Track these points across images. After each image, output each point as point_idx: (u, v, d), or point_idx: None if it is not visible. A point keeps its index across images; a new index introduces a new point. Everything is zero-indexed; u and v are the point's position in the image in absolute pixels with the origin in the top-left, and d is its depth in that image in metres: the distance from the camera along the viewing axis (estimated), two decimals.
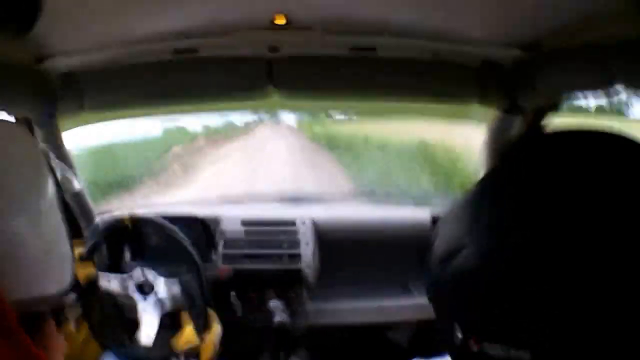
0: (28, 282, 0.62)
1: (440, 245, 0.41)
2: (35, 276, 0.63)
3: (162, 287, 1.34)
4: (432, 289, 0.45)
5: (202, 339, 1.27)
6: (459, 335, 0.39)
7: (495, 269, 0.36)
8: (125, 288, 1.36)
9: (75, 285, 1.24)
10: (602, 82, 0.88)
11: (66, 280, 0.69)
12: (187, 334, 1.26)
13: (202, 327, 1.30)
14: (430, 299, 0.45)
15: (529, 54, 1.09)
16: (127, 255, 1.67)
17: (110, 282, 1.36)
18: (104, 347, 1.35)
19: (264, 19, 1.03)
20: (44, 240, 0.64)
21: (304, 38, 1.11)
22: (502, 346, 0.36)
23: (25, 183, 0.65)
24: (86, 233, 1.39)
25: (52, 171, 0.70)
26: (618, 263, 0.34)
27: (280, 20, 1.03)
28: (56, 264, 0.67)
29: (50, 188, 0.69)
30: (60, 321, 0.72)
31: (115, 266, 1.68)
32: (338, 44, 1.14)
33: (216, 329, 1.33)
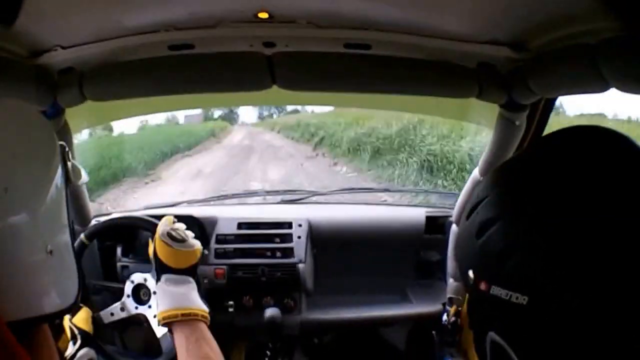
0: (27, 300, 0.59)
1: (475, 220, 0.55)
2: (35, 292, 0.60)
3: (154, 283, 1.35)
4: (461, 250, 0.58)
5: None
6: (471, 276, 0.54)
7: (515, 239, 0.51)
8: (128, 310, 1.37)
9: (85, 336, 1.26)
10: (592, 80, 0.87)
11: (71, 295, 0.65)
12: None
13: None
14: (456, 255, 0.57)
15: (518, 53, 1.08)
16: (119, 252, 1.69)
17: (114, 315, 1.37)
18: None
19: (247, 13, 1.04)
20: (46, 242, 0.61)
21: (292, 32, 1.11)
22: (506, 290, 0.50)
23: (35, 170, 0.62)
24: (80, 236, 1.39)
25: (64, 161, 0.68)
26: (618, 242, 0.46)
27: (263, 15, 1.04)
28: (60, 273, 0.64)
29: (60, 179, 0.66)
30: (57, 328, 0.70)
31: (107, 268, 1.68)
32: (330, 40, 1.13)
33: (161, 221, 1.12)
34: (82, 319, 1.30)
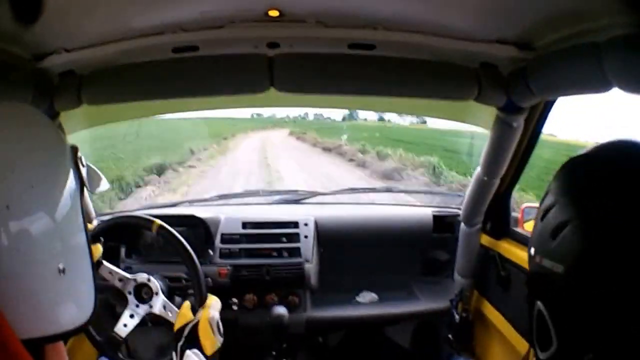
0: (39, 319, 0.58)
1: (550, 220, 0.61)
2: (48, 310, 0.58)
3: (161, 297, 1.34)
4: (537, 241, 0.65)
5: (196, 314, 1.22)
6: (532, 253, 0.64)
7: (566, 219, 0.58)
8: (137, 313, 1.34)
9: None
10: (595, 80, 0.88)
11: (86, 311, 0.63)
12: (181, 312, 1.23)
13: (198, 304, 1.26)
14: (532, 244, 0.66)
15: (524, 52, 1.09)
16: (122, 253, 1.69)
17: (127, 325, 1.33)
18: (100, 351, 1.35)
19: (257, 12, 1.04)
20: (59, 260, 0.58)
21: (299, 31, 1.11)
22: (551, 262, 0.59)
23: (44, 174, 0.59)
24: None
25: (77, 166, 0.65)
26: None
27: (274, 13, 1.04)
28: (73, 291, 0.61)
29: (72, 185, 0.62)
30: (67, 340, 0.70)
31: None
32: (335, 40, 1.13)
33: (211, 303, 1.26)
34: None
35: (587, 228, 0.56)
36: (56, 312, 0.60)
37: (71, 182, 0.62)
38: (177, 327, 1.21)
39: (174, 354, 1.16)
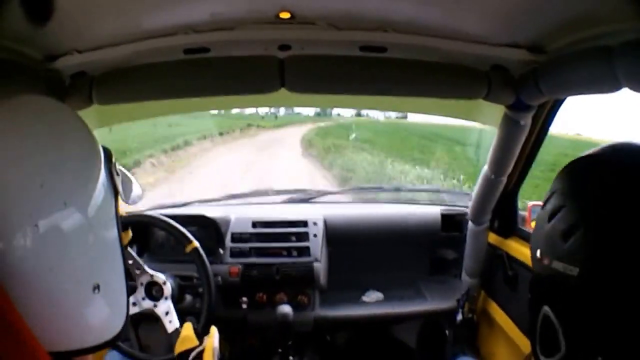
0: (70, 333, 0.57)
1: (560, 223, 0.62)
2: (82, 325, 0.57)
3: (169, 287, 1.37)
4: (534, 234, 0.67)
5: (201, 342, 1.24)
6: (538, 255, 0.63)
7: (578, 221, 0.58)
8: (140, 304, 1.38)
9: None
10: (605, 81, 0.88)
11: (117, 324, 0.62)
12: (186, 335, 1.24)
13: (201, 330, 1.29)
14: (537, 246, 0.66)
15: (535, 55, 1.09)
16: (134, 250, 1.71)
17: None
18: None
19: (268, 14, 1.04)
20: (97, 270, 0.57)
21: (311, 34, 1.11)
22: (563, 264, 0.58)
23: (77, 187, 0.55)
24: None
25: (111, 175, 0.60)
26: None
27: (285, 15, 1.04)
28: (109, 303, 0.60)
29: (107, 197, 0.59)
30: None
31: None
32: (347, 42, 1.14)
33: (214, 333, 1.31)
34: None
35: (601, 231, 0.56)
36: (89, 328, 0.59)
37: (105, 194, 0.59)
38: (179, 349, 1.23)
39: None
